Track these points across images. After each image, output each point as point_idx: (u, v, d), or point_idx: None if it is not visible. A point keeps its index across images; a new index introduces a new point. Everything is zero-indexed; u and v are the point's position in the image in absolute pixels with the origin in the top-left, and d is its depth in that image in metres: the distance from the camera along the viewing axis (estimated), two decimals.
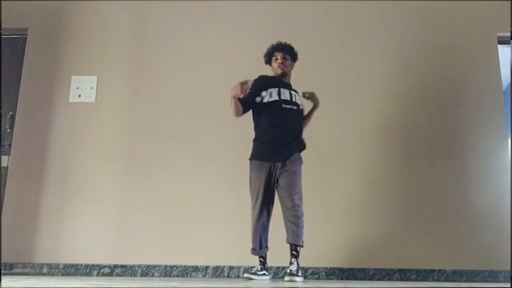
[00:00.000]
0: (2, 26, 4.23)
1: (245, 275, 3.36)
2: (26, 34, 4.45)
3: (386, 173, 4.03)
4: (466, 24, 4.30)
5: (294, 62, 3.48)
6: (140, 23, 4.44)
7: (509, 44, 4.29)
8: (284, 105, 3.30)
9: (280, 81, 3.39)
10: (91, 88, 4.31)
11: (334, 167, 4.07)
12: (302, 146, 3.38)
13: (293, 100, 3.36)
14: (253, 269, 3.38)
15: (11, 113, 4.31)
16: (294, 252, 3.14)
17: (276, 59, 3.40)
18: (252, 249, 3.33)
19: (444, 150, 4.07)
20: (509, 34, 4.20)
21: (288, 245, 3.15)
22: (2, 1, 4.22)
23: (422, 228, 3.92)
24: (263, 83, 3.36)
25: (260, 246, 3.29)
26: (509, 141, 4.21)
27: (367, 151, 4.09)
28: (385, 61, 4.25)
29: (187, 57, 4.34)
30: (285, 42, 3.46)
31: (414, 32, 4.30)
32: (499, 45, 4.25)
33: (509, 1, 4.22)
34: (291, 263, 3.12)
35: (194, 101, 4.25)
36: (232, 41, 4.35)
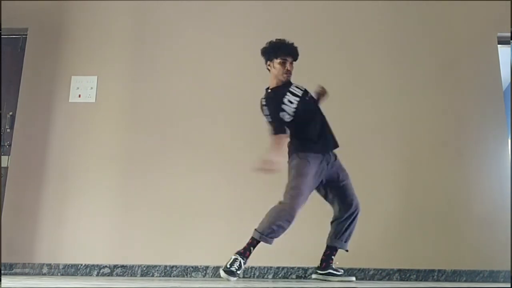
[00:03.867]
0: (2, 26, 4.22)
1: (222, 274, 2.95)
2: (26, 34, 4.45)
3: (386, 173, 4.03)
4: (466, 24, 4.30)
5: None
6: (140, 23, 4.44)
7: (509, 44, 4.29)
8: (308, 105, 3.18)
9: (283, 87, 3.20)
10: (91, 88, 4.31)
11: None
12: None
13: (295, 93, 3.18)
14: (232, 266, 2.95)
15: (11, 113, 4.31)
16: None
17: (284, 64, 3.18)
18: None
19: (444, 150, 4.07)
20: (509, 34, 4.20)
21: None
22: (2, 1, 4.22)
23: (422, 228, 3.92)
24: (276, 98, 3.13)
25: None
26: (509, 141, 4.21)
27: (367, 151, 4.09)
28: (384, 61, 4.25)
29: (187, 57, 4.34)
30: (293, 44, 3.26)
31: (414, 32, 4.30)
32: (499, 45, 4.25)
33: (509, 1, 4.21)
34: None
35: (194, 101, 4.25)
36: (232, 41, 4.35)
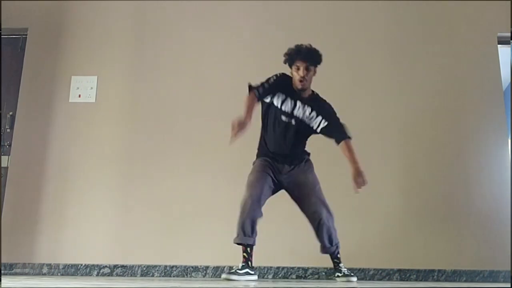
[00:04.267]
0: (2, 26, 4.22)
1: (223, 275, 2.94)
2: (26, 34, 4.45)
3: (386, 172, 4.03)
4: (466, 24, 4.30)
5: (317, 67, 3.11)
6: (140, 23, 4.44)
7: (509, 44, 4.29)
8: (282, 116, 3.11)
9: (294, 92, 3.12)
10: (91, 88, 4.31)
11: (333, 167, 4.06)
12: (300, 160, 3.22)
13: (295, 114, 3.11)
14: (232, 268, 3.00)
15: (11, 113, 4.31)
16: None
17: (298, 69, 3.05)
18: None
19: (444, 150, 4.07)
20: (509, 34, 4.20)
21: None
22: (2, 1, 4.22)
23: (422, 228, 3.92)
24: (281, 83, 3.10)
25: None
26: (509, 141, 4.21)
27: (367, 150, 4.08)
28: (384, 61, 4.25)
29: (187, 57, 4.34)
30: (310, 46, 3.08)
31: (414, 32, 4.30)
32: (499, 45, 4.25)
33: (509, 1, 4.21)
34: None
35: (194, 101, 4.25)
36: (233, 41, 4.35)
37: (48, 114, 4.27)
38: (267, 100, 3.14)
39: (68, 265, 3.95)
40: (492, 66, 4.19)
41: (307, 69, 3.04)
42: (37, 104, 4.29)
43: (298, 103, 3.12)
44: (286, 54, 3.11)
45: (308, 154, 3.29)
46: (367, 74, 4.23)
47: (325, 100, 3.23)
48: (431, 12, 4.32)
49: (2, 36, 4.25)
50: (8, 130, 4.28)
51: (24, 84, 4.33)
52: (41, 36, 4.43)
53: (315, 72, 3.12)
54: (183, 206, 4.03)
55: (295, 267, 3.83)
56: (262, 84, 3.09)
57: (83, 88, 4.31)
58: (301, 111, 3.13)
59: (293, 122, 3.13)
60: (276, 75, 3.12)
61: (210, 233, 3.95)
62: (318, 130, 3.20)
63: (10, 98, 4.34)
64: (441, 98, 4.16)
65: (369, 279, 3.80)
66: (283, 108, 3.12)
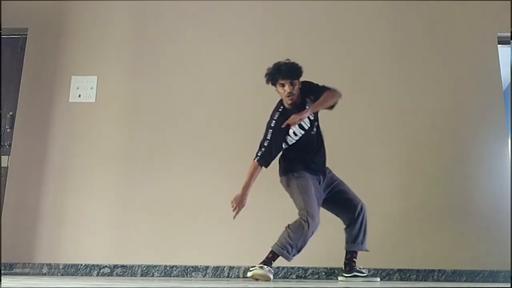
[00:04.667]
0: (2, 26, 4.22)
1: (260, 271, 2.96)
2: (26, 34, 4.45)
3: (386, 173, 4.03)
4: (466, 24, 4.30)
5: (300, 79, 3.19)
6: (140, 23, 4.44)
7: (509, 44, 4.29)
8: (310, 131, 3.18)
9: (290, 111, 3.14)
10: (91, 88, 4.31)
11: (333, 167, 4.06)
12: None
13: (303, 126, 3.16)
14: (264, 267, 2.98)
15: (11, 113, 4.31)
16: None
17: (283, 86, 3.11)
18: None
19: (444, 150, 4.07)
20: (509, 34, 4.20)
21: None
22: (2, 1, 4.22)
23: (422, 228, 3.92)
24: (278, 128, 3.10)
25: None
26: (509, 141, 4.21)
27: (367, 151, 4.09)
28: (384, 61, 4.25)
29: (187, 57, 4.34)
30: (289, 63, 3.13)
31: (414, 32, 4.30)
32: (499, 45, 4.25)
33: (509, 1, 4.21)
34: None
35: (194, 101, 4.25)
36: (233, 41, 4.35)
37: (48, 114, 4.27)
38: (285, 146, 3.16)
39: (68, 265, 3.95)
40: (492, 66, 4.19)
41: (291, 84, 3.10)
42: (37, 104, 4.29)
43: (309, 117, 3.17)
44: (267, 75, 3.15)
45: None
46: (367, 74, 4.23)
47: (306, 82, 3.21)
48: (431, 12, 4.32)
49: (2, 36, 4.25)
50: (8, 130, 4.28)
51: (24, 84, 4.33)
52: (41, 36, 4.43)
53: (299, 83, 3.17)
54: (183, 206, 4.03)
55: (295, 267, 3.83)
56: (264, 148, 3.10)
57: (83, 88, 4.31)
58: (307, 120, 3.17)
59: (312, 132, 3.20)
60: (274, 129, 3.10)
61: (210, 233, 3.95)
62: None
63: (10, 98, 4.34)
64: (441, 98, 4.16)
65: None
66: (296, 132, 3.14)
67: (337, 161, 4.06)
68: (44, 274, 3.91)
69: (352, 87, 4.20)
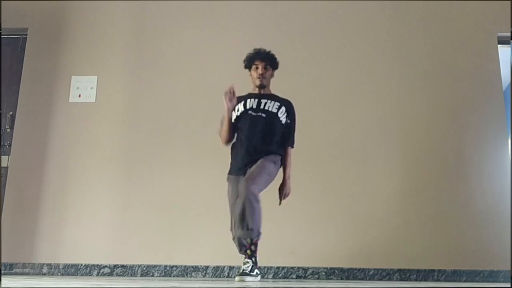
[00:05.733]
0: (2, 26, 4.22)
1: (237, 278, 2.87)
2: (26, 34, 4.45)
3: (386, 173, 4.03)
4: (466, 24, 4.30)
5: (274, 71, 3.30)
6: (140, 23, 4.44)
7: (509, 44, 4.29)
8: (250, 112, 3.19)
9: (252, 94, 3.26)
10: (91, 88, 4.31)
11: (333, 167, 4.07)
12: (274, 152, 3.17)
13: (262, 107, 3.19)
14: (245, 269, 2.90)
15: (11, 113, 4.31)
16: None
17: (257, 68, 3.24)
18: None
19: (444, 150, 4.07)
20: (509, 34, 4.20)
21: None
22: (2, 1, 4.22)
23: (422, 228, 3.92)
24: (236, 102, 3.24)
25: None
26: (509, 141, 4.21)
27: (367, 151, 4.09)
28: (384, 61, 4.25)
29: (187, 57, 4.34)
30: (268, 51, 3.27)
31: (414, 32, 4.30)
32: (499, 45, 4.25)
33: (509, 1, 4.21)
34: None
35: (194, 101, 4.25)
36: (232, 41, 4.35)
37: (48, 114, 4.27)
38: (233, 117, 3.24)
39: (68, 265, 3.95)
40: (492, 66, 4.19)
41: (265, 68, 3.23)
42: (37, 104, 4.29)
43: (264, 100, 3.21)
44: (245, 60, 3.29)
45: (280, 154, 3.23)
46: (367, 74, 4.23)
47: (286, 99, 3.30)
48: (431, 12, 4.32)
49: (2, 36, 4.25)
50: (8, 130, 4.28)
51: (24, 84, 4.33)
52: (41, 36, 4.43)
53: (272, 75, 3.29)
54: (183, 205, 4.03)
55: (295, 267, 3.83)
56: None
57: (83, 88, 4.31)
58: (269, 104, 3.21)
59: (263, 115, 3.18)
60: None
61: (210, 233, 3.95)
62: (283, 122, 3.23)
63: (10, 98, 4.34)
64: (441, 98, 4.16)
65: (369, 279, 3.80)
66: (247, 106, 3.22)
67: (335, 161, 4.07)
68: (44, 274, 3.91)
69: (352, 87, 4.21)
